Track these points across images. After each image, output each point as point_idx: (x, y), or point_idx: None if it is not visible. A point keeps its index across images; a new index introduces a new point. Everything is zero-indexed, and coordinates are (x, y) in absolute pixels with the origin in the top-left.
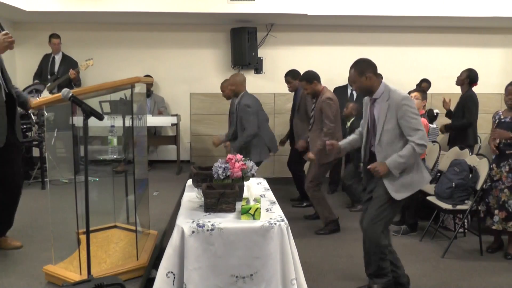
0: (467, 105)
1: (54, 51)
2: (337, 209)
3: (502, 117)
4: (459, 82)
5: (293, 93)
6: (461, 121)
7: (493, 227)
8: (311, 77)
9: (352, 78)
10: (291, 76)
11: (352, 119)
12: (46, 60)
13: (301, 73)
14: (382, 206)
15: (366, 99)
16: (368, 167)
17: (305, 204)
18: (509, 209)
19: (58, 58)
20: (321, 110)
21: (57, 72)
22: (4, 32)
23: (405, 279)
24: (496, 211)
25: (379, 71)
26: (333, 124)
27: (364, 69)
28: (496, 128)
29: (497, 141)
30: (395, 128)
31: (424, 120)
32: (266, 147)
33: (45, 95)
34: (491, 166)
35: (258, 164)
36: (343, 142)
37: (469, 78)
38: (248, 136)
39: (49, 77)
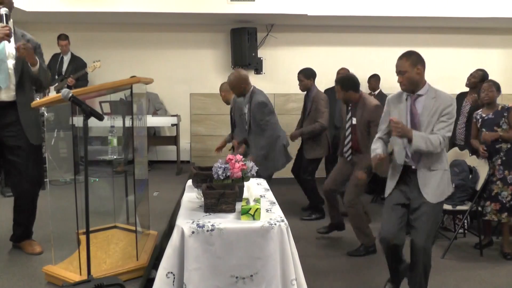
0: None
1: (63, 52)
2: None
3: (483, 115)
4: (472, 84)
5: (304, 93)
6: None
7: (486, 218)
8: (356, 85)
9: (402, 67)
10: (304, 74)
11: None
12: (55, 60)
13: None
14: (431, 220)
15: (390, 98)
16: (393, 121)
17: (314, 216)
18: (503, 201)
19: (66, 59)
20: (368, 123)
21: (65, 72)
22: (2, 25)
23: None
24: (488, 202)
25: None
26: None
27: (416, 61)
28: (481, 126)
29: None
30: (433, 125)
31: None
32: (283, 152)
33: (52, 95)
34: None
35: (271, 175)
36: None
37: (483, 81)
38: (269, 138)
39: (56, 77)
